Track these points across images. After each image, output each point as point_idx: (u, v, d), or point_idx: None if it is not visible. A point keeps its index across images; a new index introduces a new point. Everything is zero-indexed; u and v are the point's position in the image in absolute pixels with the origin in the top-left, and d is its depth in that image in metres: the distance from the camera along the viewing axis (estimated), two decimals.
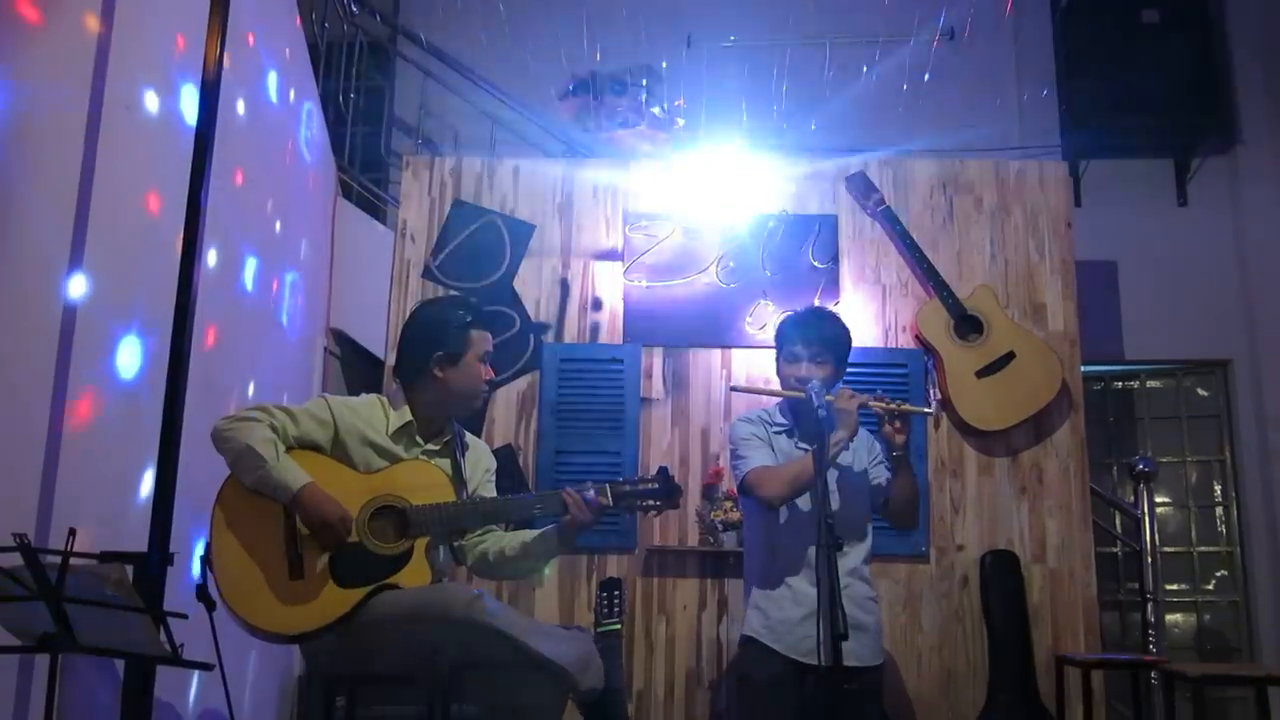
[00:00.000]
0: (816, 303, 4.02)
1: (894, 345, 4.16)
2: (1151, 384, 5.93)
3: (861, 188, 4.26)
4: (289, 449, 2.38)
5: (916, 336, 4.13)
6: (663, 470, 2.54)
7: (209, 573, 2.26)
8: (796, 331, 2.96)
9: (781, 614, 2.84)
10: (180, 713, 2.73)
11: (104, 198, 2.24)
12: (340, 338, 4.55)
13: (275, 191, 3.55)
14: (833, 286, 4.20)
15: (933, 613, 3.91)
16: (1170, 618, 5.51)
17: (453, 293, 4.15)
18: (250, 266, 3.20)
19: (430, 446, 2.55)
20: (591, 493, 2.47)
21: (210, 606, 2.24)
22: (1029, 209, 4.28)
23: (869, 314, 4.17)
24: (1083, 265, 4.34)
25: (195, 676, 2.82)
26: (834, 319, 3.03)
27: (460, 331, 2.55)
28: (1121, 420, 5.90)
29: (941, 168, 4.35)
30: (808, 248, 4.24)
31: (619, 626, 3.64)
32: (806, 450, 2.82)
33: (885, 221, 4.23)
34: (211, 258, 2.75)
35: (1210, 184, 5.81)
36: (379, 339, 4.32)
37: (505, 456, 3.93)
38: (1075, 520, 3.98)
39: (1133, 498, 4.44)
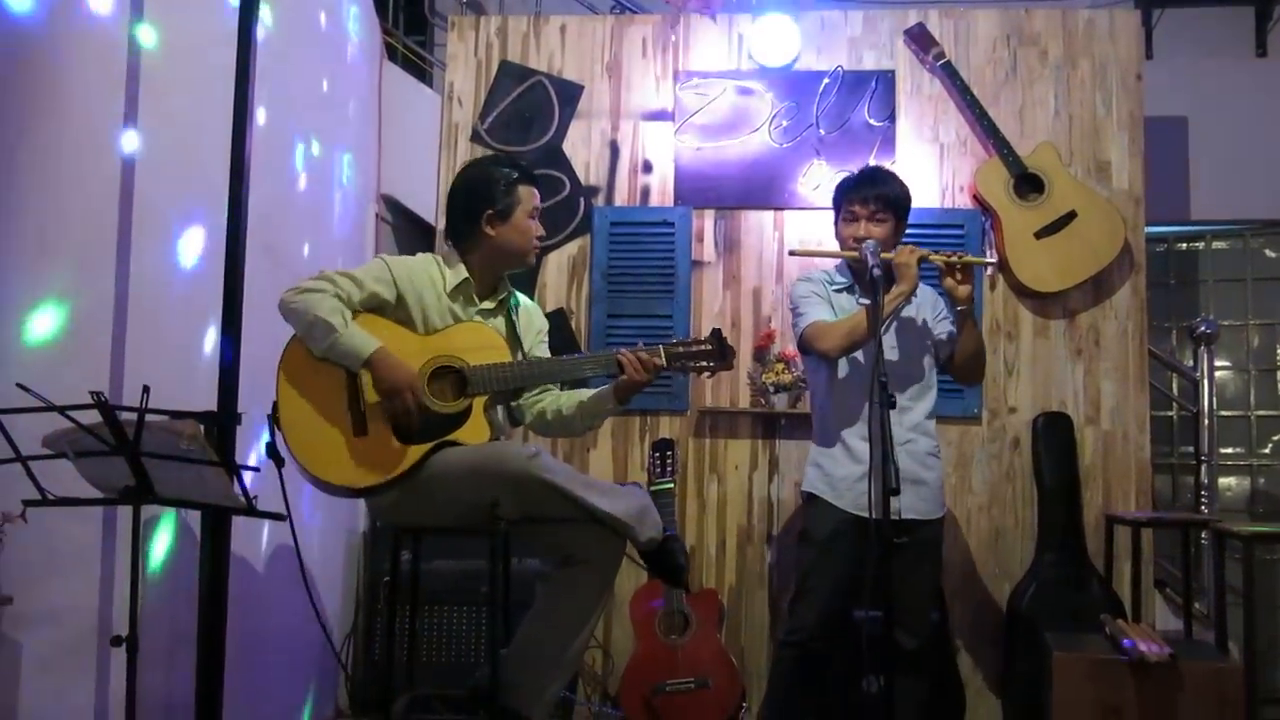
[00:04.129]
0: (872, 162, 3.92)
1: (951, 205, 4.06)
2: (1217, 245, 5.76)
3: (920, 41, 4.09)
4: (355, 315, 2.41)
5: (974, 196, 4.03)
6: (715, 332, 2.56)
7: (277, 430, 2.34)
8: (854, 191, 2.93)
9: (839, 470, 2.91)
10: (253, 564, 2.87)
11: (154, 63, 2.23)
12: (391, 204, 4.55)
13: (321, 55, 3.51)
14: (889, 145, 4.09)
15: (983, 472, 3.94)
16: (1223, 481, 5.49)
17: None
18: (299, 130, 3.19)
19: (485, 305, 2.58)
20: (644, 353, 2.50)
21: (279, 463, 2.32)
22: (1097, 61, 4.09)
23: (926, 173, 4.06)
24: (1151, 121, 4.17)
25: (267, 528, 2.95)
26: (891, 176, 3.00)
27: (508, 188, 2.55)
28: (1184, 282, 5.77)
29: (1005, 18, 4.16)
30: (863, 105, 4.11)
31: (672, 485, 3.71)
32: (867, 305, 2.82)
33: (945, 76, 4.07)
34: (261, 116, 2.74)
35: None
36: (429, 205, 4.30)
37: (557, 320, 3.96)
38: (1132, 382, 3.94)
39: (1192, 361, 4.38)
